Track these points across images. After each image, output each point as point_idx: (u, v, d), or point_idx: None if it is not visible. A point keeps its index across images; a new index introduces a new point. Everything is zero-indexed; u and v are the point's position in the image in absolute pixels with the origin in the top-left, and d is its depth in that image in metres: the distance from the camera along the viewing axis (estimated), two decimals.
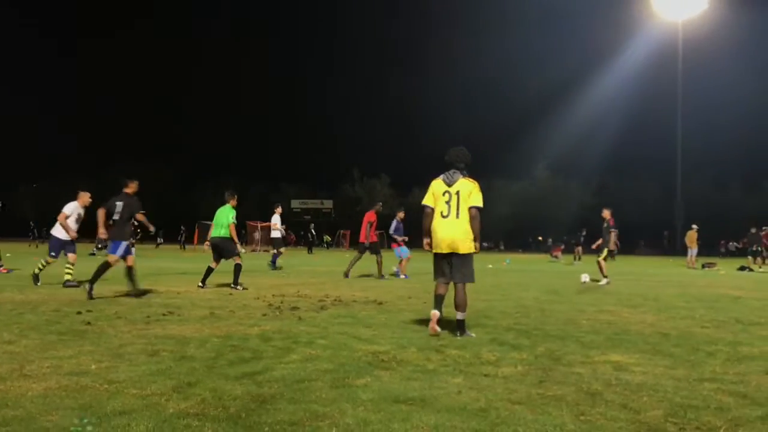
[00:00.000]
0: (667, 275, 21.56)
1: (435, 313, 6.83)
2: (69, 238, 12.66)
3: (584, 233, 36.39)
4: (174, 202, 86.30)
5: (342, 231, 74.14)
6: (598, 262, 16.16)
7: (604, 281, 15.69)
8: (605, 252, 16.24)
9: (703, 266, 28.01)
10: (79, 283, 11.39)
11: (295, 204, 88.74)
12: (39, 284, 12.19)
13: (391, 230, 17.22)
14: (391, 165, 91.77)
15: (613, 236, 16.17)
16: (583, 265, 27.90)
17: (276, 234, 20.62)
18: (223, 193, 12.88)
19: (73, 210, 12.96)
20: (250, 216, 58.98)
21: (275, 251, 20.88)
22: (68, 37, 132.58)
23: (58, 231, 12.75)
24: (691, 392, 4.42)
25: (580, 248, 36.19)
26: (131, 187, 10.51)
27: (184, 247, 49.63)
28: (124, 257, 10.30)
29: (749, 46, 77.54)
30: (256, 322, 7.56)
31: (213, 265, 12.46)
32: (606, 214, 16.37)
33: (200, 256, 30.24)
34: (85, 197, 13.17)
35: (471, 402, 4.07)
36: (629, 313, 9.25)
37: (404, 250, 17.11)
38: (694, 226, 29.94)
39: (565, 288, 14.11)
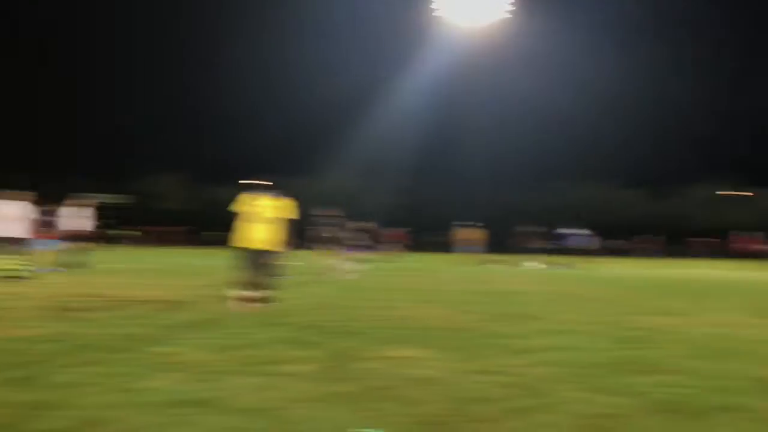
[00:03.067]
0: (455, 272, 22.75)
1: (241, 294, 8.95)
2: None
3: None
4: None
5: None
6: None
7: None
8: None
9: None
10: None
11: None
12: None
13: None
14: (191, 162, 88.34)
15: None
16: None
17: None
18: None
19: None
20: None
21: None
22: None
23: None
24: (472, 384, 4.68)
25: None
26: None
27: None
28: None
29: (546, 54, 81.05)
30: (33, 324, 7.00)
31: None
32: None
33: None
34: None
35: (259, 402, 4.04)
36: (422, 308, 9.67)
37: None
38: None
39: (363, 285, 14.42)
